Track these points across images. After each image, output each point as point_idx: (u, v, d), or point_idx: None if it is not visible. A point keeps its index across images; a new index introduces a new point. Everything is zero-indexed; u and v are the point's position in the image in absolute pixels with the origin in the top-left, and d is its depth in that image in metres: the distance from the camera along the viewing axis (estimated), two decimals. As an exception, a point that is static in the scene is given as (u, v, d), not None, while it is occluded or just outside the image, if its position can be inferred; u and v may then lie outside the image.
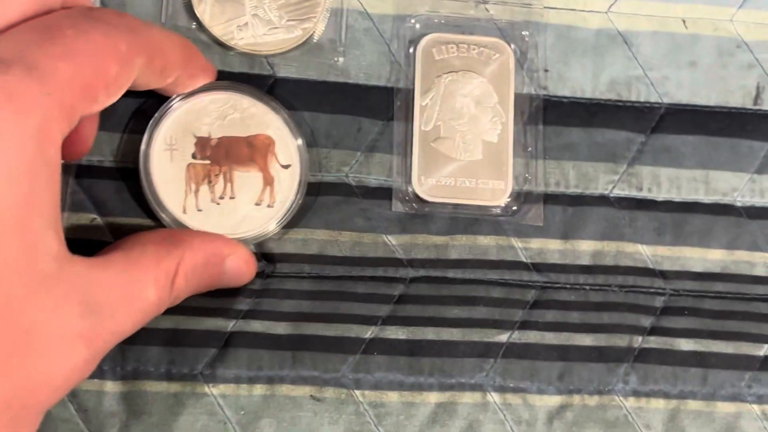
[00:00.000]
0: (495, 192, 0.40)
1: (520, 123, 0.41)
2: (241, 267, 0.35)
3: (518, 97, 0.41)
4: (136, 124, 0.39)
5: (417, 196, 0.40)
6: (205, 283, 0.34)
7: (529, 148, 0.41)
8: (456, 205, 0.40)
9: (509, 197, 0.40)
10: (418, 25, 0.41)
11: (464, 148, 0.40)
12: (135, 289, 0.28)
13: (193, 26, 0.40)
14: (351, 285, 0.39)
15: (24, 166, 0.26)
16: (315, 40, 0.40)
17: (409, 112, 0.40)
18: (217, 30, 0.39)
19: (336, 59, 0.40)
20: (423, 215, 0.40)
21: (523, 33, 0.41)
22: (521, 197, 0.41)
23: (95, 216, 0.38)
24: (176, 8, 0.40)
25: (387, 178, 0.40)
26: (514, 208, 0.40)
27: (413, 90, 0.41)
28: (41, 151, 0.26)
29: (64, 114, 0.28)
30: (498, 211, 0.40)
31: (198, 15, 0.39)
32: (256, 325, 0.38)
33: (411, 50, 0.41)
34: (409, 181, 0.40)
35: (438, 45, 0.41)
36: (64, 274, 0.26)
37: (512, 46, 0.41)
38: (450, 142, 0.40)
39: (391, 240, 0.40)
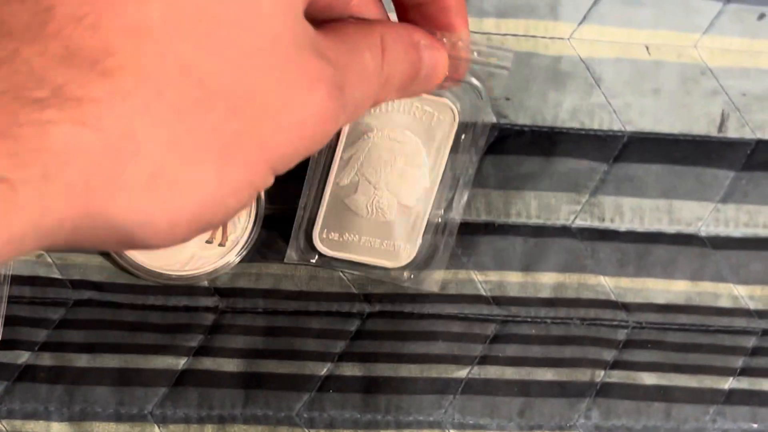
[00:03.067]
0: (399, 255, 0.38)
1: (447, 186, 0.38)
2: (437, 59, 0.29)
3: (454, 161, 0.38)
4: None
5: (314, 248, 0.38)
6: (407, 68, 0.29)
7: (439, 219, 0.38)
8: (354, 264, 0.38)
9: (409, 263, 0.38)
10: None
11: (377, 208, 0.38)
12: (355, 56, 0.25)
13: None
14: (305, 320, 0.38)
15: None
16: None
17: (326, 162, 0.38)
18: None
19: None
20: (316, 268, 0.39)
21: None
22: (423, 264, 0.38)
23: (43, 252, 0.37)
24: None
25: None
26: (412, 275, 0.39)
27: (336, 140, 0.37)
28: None
29: None
30: (397, 274, 0.38)
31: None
32: (208, 363, 0.37)
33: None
34: (310, 233, 0.38)
35: None
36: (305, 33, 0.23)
37: (457, 108, 0.38)
38: (364, 200, 0.37)
39: (346, 275, 0.39)
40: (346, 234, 0.38)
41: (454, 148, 0.38)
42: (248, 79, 0.21)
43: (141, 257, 0.37)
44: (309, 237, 0.38)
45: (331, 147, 0.37)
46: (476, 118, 0.38)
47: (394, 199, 0.38)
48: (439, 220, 0.39)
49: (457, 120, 0.38)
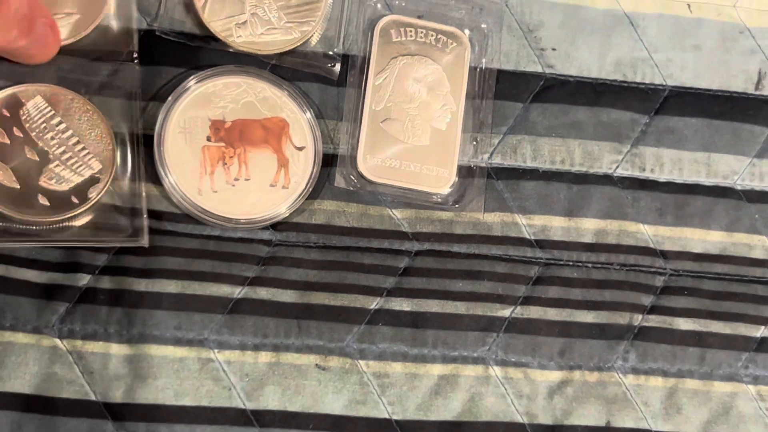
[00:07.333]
0: (439, 179, 0.40)
1: (471, 116, 0.41)
2: (46, 30, 0.35)
3: (471, 87, 0.41)
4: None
5: (360, 174, 0.39)
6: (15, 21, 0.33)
7: (474, 142, 0.41)
8: (398, 188, 0.40)
9: (452, 186, 0.40)
10: (378, 5, 0.41)
11: (412, 131, 0.40)
12: None
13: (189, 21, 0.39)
14: (357, 256, 0.39)
15: None
16: (312, 45, 0.40)
17: (361, 89, 0.40)
18: (216, 26, 0.39)
19: (331, 65, 0.40)
20: (364, 193, 0.40)
21: (482, 26, 0.42)
22: (464, 187, 0.40)
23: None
24: (174, 1, 0.39)
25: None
26: (456, 197, 0.40)
27: (367, 68, 0.40)
28: None
29: None
30: (439, 198, 0.40)
31: (197, 10, 0.39)
32: (263, 293, 0.38)
33: (369, 29, 0.41)
34: (354, 159, 0.39)
35: (397, 27, 0.41)
36: None
37: (468, 34, 0.41)
38: (399, 124, 0.40)
39: (396, 214, 0.40)
40: (388, 160, 0.39)
41: (471, 74, 0.41)
42: None
43: (208, 203, 0.37)
44: (354, 162, 0.39)
45: (364, 73, 0.40)
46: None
47: (427, 124, 0.40)
48: (475, 143, 0.41)
49: (468, 46, 0.41)
